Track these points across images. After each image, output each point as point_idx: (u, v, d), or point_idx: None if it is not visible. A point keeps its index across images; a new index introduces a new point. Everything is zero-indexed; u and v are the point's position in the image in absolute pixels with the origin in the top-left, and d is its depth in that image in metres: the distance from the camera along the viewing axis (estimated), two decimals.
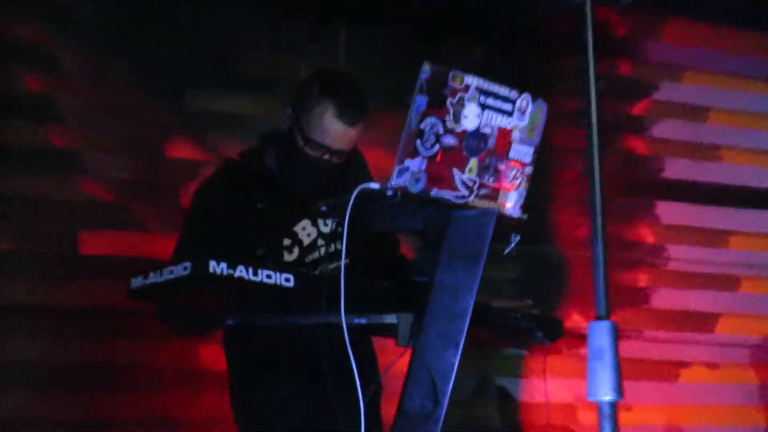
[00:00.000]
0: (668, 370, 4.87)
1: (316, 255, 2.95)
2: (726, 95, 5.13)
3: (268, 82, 4.24)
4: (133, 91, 4.06)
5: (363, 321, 2.51)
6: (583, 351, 4.62)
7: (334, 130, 2.86)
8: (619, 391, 1.91)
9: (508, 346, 4.25)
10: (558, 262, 4.61)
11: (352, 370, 2.34)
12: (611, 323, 1.92)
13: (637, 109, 5.04)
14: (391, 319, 2.52)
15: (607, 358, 1.86)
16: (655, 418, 4.78)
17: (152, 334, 3.26)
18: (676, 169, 5.03)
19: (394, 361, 2.59)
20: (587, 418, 4.59)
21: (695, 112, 5.10)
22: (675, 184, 5.01)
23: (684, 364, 4.89)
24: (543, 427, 4.54)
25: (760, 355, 5.02)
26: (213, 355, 3.66)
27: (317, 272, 2.91)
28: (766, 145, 5.20)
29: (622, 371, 1.90)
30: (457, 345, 2.46)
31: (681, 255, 4.96)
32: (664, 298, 4.91)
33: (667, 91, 5.04)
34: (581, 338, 4.67)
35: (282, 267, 2.44)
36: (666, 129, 5.03)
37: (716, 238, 5.05)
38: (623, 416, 4.43)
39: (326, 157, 2.89)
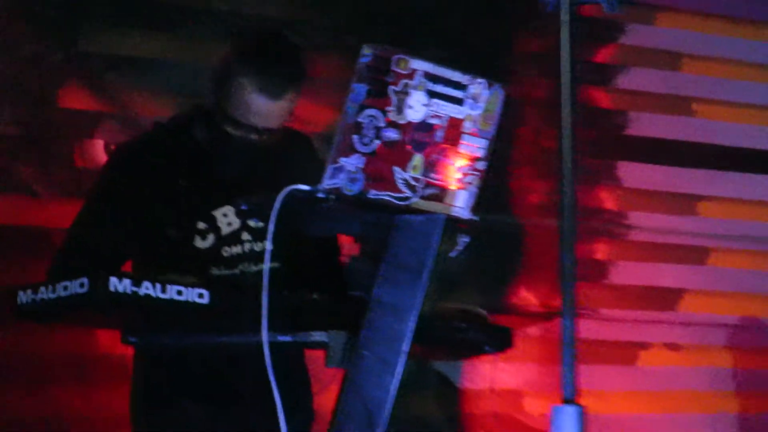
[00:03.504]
0: (626, 352, 4.95)
1: (238, 250, 2.95)
2: (704, 39, 5.14)
3: (181, 18, 4.17)
4: (13, 24, 3.96)
5: (288, 339, 2.52)
6: (530, 331, 4.65)
7: (256, 106, 2.83)
8: None
9: (453, 359, 4.28)
10: (509, 231, 4.62)
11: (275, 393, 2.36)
12: (578, 409, 1.94)
13: (601, 55, 5.04)
14: (321, 337, 2.53)
15: None
16: (612, 405, 4.86)
17: None
18: (642, 125, 5.05)
19: (327, 384, 2.66)
20: (534, 405, 4.65)
21: (667, 60, 5.11)
22: (640, 143, 5.04)
23: (644, 346, 4.98)
24: (485, 415, 4.60)
25: (728, 336, 5.12)
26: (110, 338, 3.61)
27: (237, 271, 2.93)
28: (745, 97, 5.23)
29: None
30: (396, 370, 2.47)
31: (644, 223, 5.00)
32: (624, 272, 4.97)
33: (636, 35, 5.03)
34: (529, 318, 4.69)
35: (197, 279, 2.47)
36: (633, 79, 5.04)
37: (684, 203, 5.10)
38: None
39: (253, 136, 2.87)
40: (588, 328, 4.77)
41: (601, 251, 4.97)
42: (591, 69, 4.96)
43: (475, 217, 2.57)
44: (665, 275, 5.03)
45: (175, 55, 4.13)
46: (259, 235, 2.91)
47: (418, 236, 2.50)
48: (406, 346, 2.47)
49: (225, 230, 2.93)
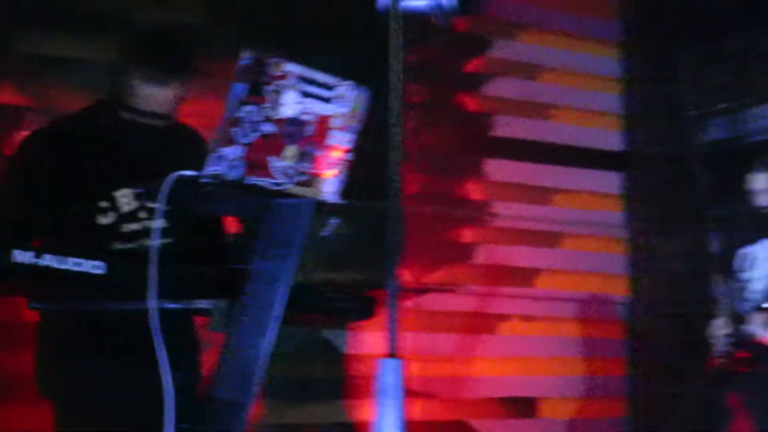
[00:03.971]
0: (488, 323, 5.01)
1: (135, 226, 2.93)
2: (558, 54, 5.24)
3: (105, 24, 4.13)
4: None
5: (175, 306, 2.49)
6: (406, 304, 4.65)
7: (142, 93, 2.85)
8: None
9: (329, 326, 4.29)
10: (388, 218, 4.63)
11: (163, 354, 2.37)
12: (399, 362, 1.99)
13: (472, 66, 5.09)
14: (204, 305, 2.52)
15: (395, 395, 1.93)
16: (473, 369, 4.92)
17: None
18: (506, 127, 5.12)
19: (209, 346, 2.67)
20: (411, 370, 4.68)
21: (528, 71, 5.18)
22: (504, 142, 5.12)
23: (503, 317, 5.04)
24: (365, 377, 4.63)
25: (575, 309, 5.22)
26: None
27: (134, 245, 2.92)
28: (593, 105, 5.35)
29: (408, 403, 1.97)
30: (268, 333, 2.47)
31: (506, 211, 5.08)
32: (488, 254, 5.03)
33: (502, 49, 5.10)
34: (405, 292, 4.72)
35: (95, 251, 2.44)
36: (498, 87, 5.11)
37: (542, 195, 5.20)
38: (442, 367, 4.49)
39: (141, 119, 2.87)
40: (456, 302, 4.85)
41: (468, 235, 5.04)
42: (462, 78, 5.03)
43: (342, 202, 2.56)
44: (523, 256, 5.12)
45: (95, 57, 4.08)
46: (153, 214, 2.85)
47: (290, 217, 2.50)
48: (277, 312, 2.46)
49: (124, 209, 2.92)
